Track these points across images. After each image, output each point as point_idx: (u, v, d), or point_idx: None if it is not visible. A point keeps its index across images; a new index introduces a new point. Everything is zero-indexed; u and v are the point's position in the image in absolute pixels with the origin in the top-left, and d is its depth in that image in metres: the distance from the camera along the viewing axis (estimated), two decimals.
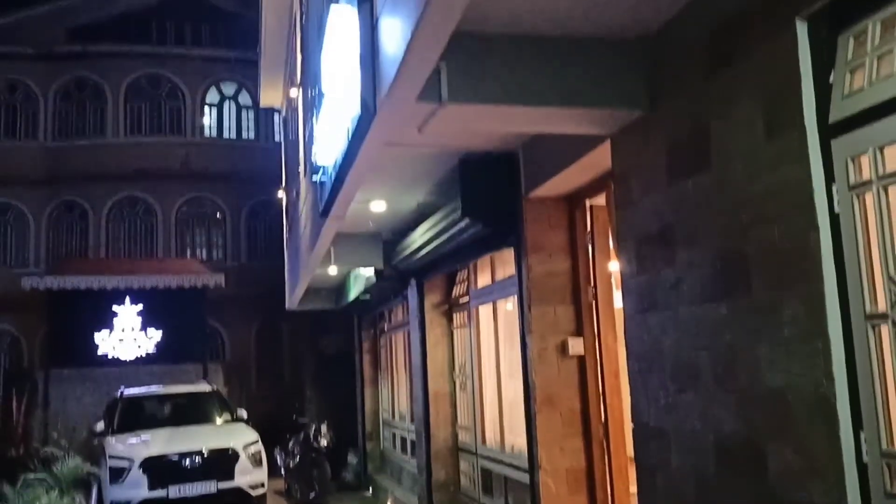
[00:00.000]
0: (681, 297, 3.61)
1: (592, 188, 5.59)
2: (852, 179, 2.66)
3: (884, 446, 2.54)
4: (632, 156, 4.08)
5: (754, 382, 3.08)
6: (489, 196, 5.97)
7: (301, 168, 10.15)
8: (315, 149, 6.09)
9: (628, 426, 5.81)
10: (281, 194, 16.17)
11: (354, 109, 4.28)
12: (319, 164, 5.98)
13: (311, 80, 8.62)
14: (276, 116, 21.28)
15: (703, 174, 3.41)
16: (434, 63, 3.51)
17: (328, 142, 5.50)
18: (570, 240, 5.88)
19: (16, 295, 16.65)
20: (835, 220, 2.70)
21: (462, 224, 6.25)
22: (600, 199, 5.68)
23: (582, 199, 5.77)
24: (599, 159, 4.97)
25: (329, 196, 5.87)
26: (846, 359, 2.67)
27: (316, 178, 6.28)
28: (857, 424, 2.62)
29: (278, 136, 21.14)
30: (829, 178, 2.73)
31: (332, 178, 5.53)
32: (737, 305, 3.19)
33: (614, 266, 5.75)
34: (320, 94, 5.72)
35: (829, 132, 2.73)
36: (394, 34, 3.51)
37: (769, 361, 2.99)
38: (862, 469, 2.61)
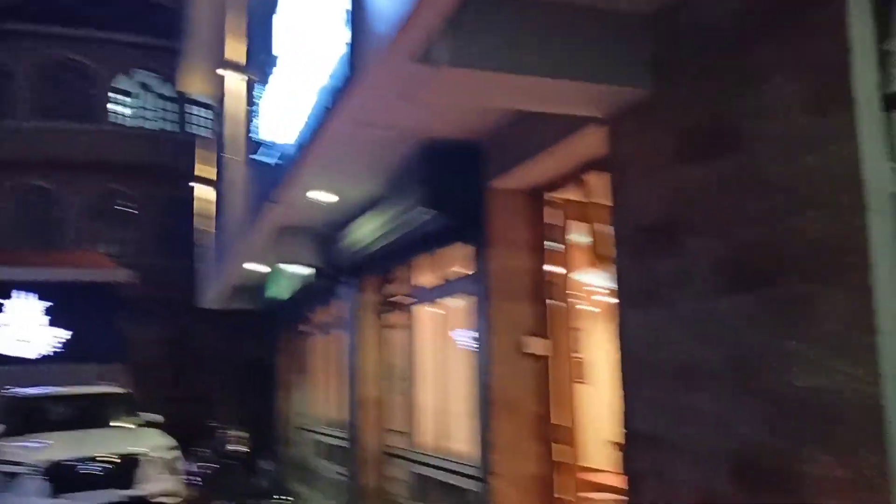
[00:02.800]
0: (692, 291, 3.34)
1: (562, 181, 5.33)
2: None
3: None
4: (633, 139, 3.81)
5: (784, 384, 2.82)
6: (452, 187, 5.63)
7: (234, 157, 9.55)
8: (261, 124, 5.57)
9: (589, 433, 5.59)
10: (198, 188, 15.36)
11: (330, 76, 3.86)
12: (268, 140, 5.48)
13: (253, 58, 8.08)
14: (197, 109, 20.35)
15: (726, 158, 3.16)
16: (437, 22, 3.15)
17: (283, 117, 5.03)
18: (535, 235, 5.60)
19: None
20: (893, 201, 2.48)
21: (421, 216, 5.88)
22: (569, 194, 5.44)
23: (550, 193, 5.50)
24: (574, 148, 4.72)
25: (281, 177, 5.39)
26: None
27: (265, 158, 5.77)
28: None
29: (199, 130, 20.22)
30: (887, 156, 2.51)
31: (292, 155, 5.05)
32: (764, 298, 2.93)
33: (581, 264, 5.53)
34: (271, 64, 5.24)
35: (886, 105, 2.51)
36: None
37: (804, 360, 2.74)
38: None
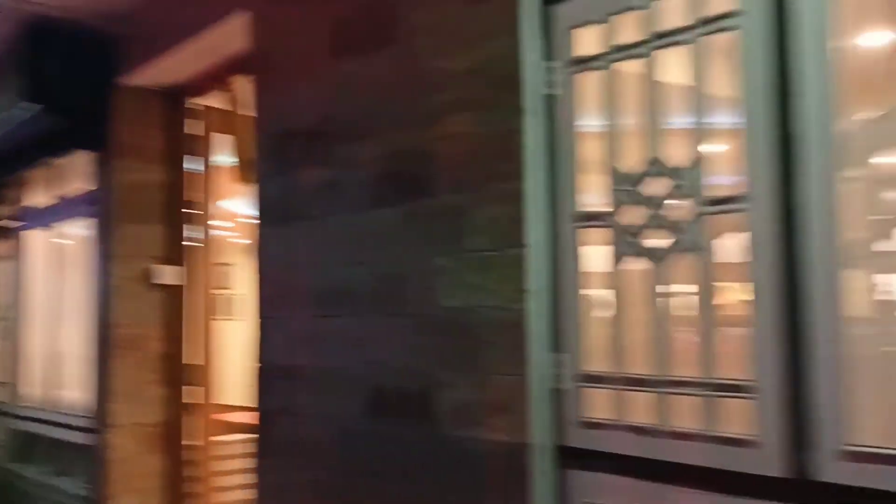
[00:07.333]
0: (336, 204, 2.95)
1: (204, 83, 4.61)
2: (575, 54, 2.26)
3: (583, 368, 2.21)
4: (279, 27, 3.28)
5: (428, 303, 2.56)
6: (68, 78, 4.58)
7: None
8: None
9: (231, 372, 5.04)
10: None
11: None
12: None
13: None
14: None
15: (382, 53, 2.78)
16: None
17: None
18: (170, 147, 4.81)
19: None
20: (550, 103, 2.29)
21: (23, 112, 4.72)
22: (213, 101, 4.75)
23: (189, 97, 4.75)
24: (219, 40, 4.06)
25: None
26: (551, 270, 2.28)
27: None
28: (556, 346, 2.26)
29: None
30: (547, 54, 2.30)
31: None
32: (416, 211, 2.63)
33: (229, 188, 4.90)
34: None
35: None
36: None
37: (450, 277, 2.49)
38: (555, 396, 2.25)
